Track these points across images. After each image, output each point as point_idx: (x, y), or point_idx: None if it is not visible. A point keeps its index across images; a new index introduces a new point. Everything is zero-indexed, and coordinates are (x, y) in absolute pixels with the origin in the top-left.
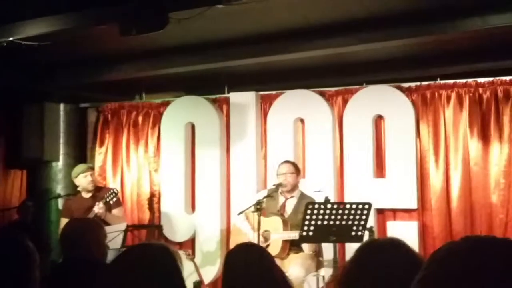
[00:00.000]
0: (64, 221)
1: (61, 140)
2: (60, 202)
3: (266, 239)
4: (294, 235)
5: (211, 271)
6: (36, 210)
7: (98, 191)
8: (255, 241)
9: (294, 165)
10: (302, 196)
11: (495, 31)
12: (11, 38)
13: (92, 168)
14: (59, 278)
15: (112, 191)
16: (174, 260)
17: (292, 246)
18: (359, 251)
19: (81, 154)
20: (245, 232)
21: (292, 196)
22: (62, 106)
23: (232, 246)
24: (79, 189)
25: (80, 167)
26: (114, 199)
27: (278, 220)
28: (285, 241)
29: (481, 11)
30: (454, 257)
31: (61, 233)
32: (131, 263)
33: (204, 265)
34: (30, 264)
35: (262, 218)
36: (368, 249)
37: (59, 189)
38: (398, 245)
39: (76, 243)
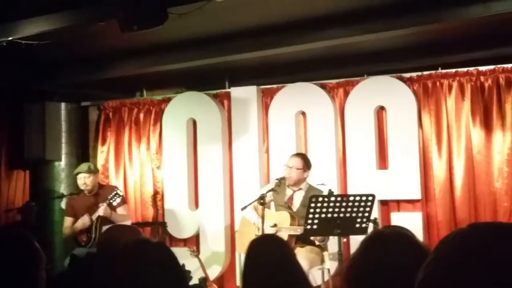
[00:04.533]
0: (68, 220)
1: (63, 140)
2: (64, 202)
3: (276, 231)
4: (300, 231)
5: (216, 267)
6: (39, 210)
7: (101, 188)
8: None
9: (304, 160)
10: (310, 188)
11: (496, 18)
12: (10, 38)
13: (90, 172)
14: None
15: (115, 192)
16: (174, 258)
17: (299, 240)
18: (364, 243)
19: (83, 153)
20: (253, 222)
21: (300, 189)
22: (63, 105)
23: (239, 237)
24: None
25: (79, 167)
26: (118, 200)
27: (286, 215)
28: (291, 236)
29: None
30: (461, 243)
31: (101, 238)
32: (132, 260)
33: (209, 261)
34: (38, 264)
35: (271, 211)
36: (373, 241)
37: (62, 188)
38: (402, 236)
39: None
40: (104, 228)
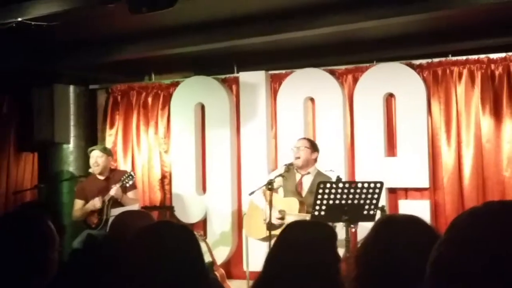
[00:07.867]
0: (78, 202)
1: (72, 122)
2: (72, 184)
3: (282, 218)
4: (308, 217)
5: (223, 252)
6: (48, 192)
7: (112, 172)
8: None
9: (310, 141)
10: (318, 174)
11: (507, 5)
12: (19, 19)
13: (105, 152)
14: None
15: (129, 174)
16: (196, 241)
17: None
18: (375, 227)
19: (91, 136)
20: (262, 207)
21: (308, 173)
22: (71, 88)
23: (247, 221)
24: (90, 170)
25: (94, 146)
26: (131, 182)
27: (295, 201)
28: None
29: None
30: (475, 221)
31: (112, 224)
32: (153, 240)
33: (216, 246)
34: (51, 245)
35: (279, 197)
36: (384, 224)
37: (71, 171)
38: (415, 221)
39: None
40: (114, 211)
